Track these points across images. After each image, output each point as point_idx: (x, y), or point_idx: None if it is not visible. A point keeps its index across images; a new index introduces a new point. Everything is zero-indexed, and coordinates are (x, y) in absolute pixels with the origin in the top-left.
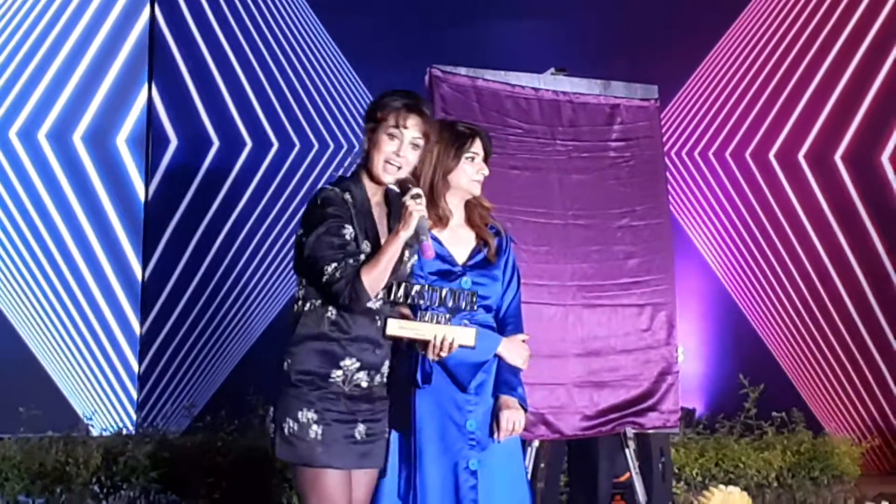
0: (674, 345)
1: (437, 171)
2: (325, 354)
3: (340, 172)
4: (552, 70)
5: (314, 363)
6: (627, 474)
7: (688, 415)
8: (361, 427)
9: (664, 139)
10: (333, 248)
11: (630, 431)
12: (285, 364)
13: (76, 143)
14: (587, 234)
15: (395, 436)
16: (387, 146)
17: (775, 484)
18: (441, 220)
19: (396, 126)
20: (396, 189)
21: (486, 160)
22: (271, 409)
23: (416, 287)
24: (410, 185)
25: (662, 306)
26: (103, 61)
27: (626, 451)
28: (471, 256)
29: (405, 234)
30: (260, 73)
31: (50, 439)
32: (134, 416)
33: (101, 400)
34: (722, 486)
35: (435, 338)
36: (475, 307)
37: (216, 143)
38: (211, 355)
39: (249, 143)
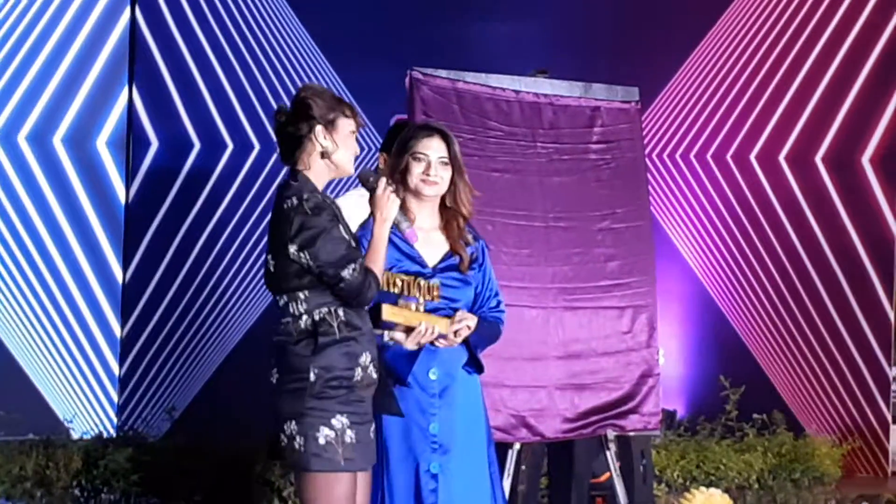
0: (655, 347)
1: (390, 174)
2: (348, 356)
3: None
4: (534, 72)
5: (340, 367)
6: (607, 474)
7: (669, 417)
8: (372, 426)
9: (645, 141)
10: (347, 250)
11: (611, 434)
12: (311, 374)
13: (56, 145)
14: (568, 236)
15: None
16: (352, 140)
17: (756, 486)
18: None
19: (357, 124)
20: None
21: (453, 163)
22: (292, 423)
23: (404, 277)
24: (371, 178)
25: (643, 308)
26: (83, 63)
27: (608, 453)
28: (442, 259)
29: (389, 219)
30: (241, 74)
31: (30, 443)
32: (114, 419)
33: (82, 403)
34: (703, 488)
35: (421, 325)
36: (437, 299)
37: (197, 146)
38: (192, 358)
39: (231, 145)
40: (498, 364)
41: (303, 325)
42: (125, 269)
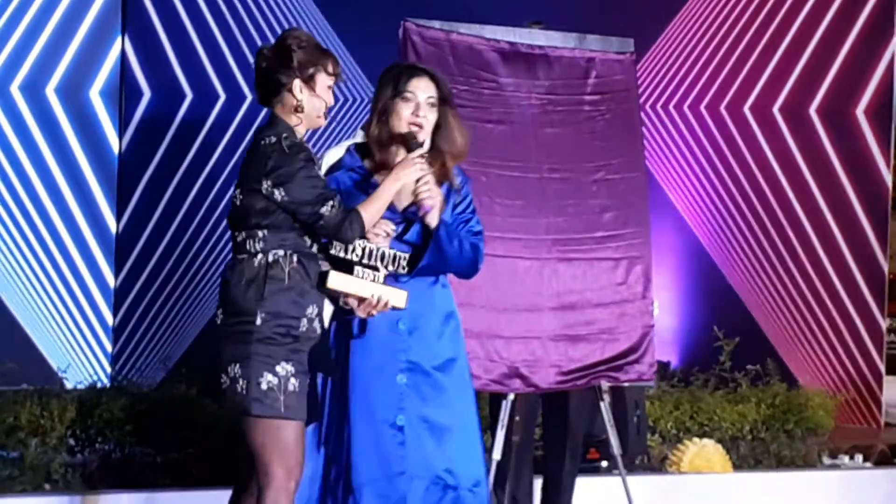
0: (649, 298)
1: (375, 114)
2: (296, 304)
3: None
4: (528, 23)
5: (287, 315)
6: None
7: (662, 367)
8: (308, 379)
9: (639, 93)
10: (325, 188)
11: (605, 384)
12: (258, 319)
13: (49, 95)
14: (562, 187)
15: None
16: (328, 95)
17: (749, 436)
18: (384, 167)
19: (335, 77)
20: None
21: (445, 102)
22: (236, 366)
23: (364, 245)
24: (414, 141)
25: (638, 260)
26: (76, 13)
27: (602, 404)
28: (412, 205)
29: (402, 182)
30: (233, 25)
31: (24, 392)
32: (108, 369)
33: (76, 352)
34: (696, 439)
35: (372, 296)
36: (401, 269)
37: (189, 96)
38: (185, 308)
39: (223, 96)
40: (492, 315)
41: (255, 264)
42: (118, 218)
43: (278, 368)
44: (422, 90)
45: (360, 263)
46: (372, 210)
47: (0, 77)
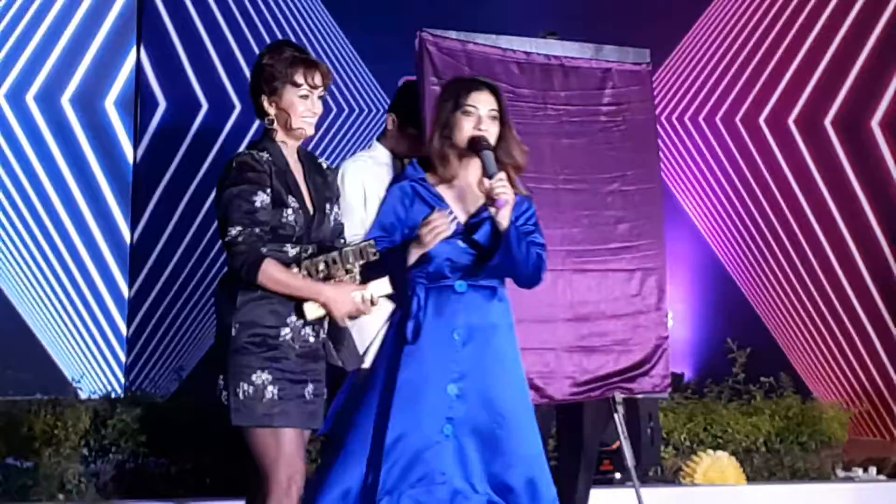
0: (664, 310)
1: (437, 127)
2: (274, 314)
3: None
4: (543, 33)
5: (264, 323)
6: (618, 443)
7: (676, 379)
8: (310, 387)
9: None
10: (241, 212)
11: (619, 396)
12: (233, 330)
13: (64, 105)
14: (577, 198)
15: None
16: (301, 107)
17: (763, 449)
18: (446, 180)
19: (309, 86)
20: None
21: (501, 116)
22: (220, 377)
23: (311, 262)
24: (485, 143)
25: (652, 271)
26: (92, 23)
27: (616, 416)
28: (475, 215)
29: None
30: (248, 35)
31: (39, 402)
32: (122, 380)
33: (90, 363)
34: (710, 451)
35: (358, 299)
36: (370, 257)
37: (205, 106)
38: (199, 319)
39: (238, 106)
40: None
41: (231, 276)
42: (133, 229)
43: (254, 377)
44: (483, 103)
45: (329, 278)
46: (284, 277)
47: (15, 87)
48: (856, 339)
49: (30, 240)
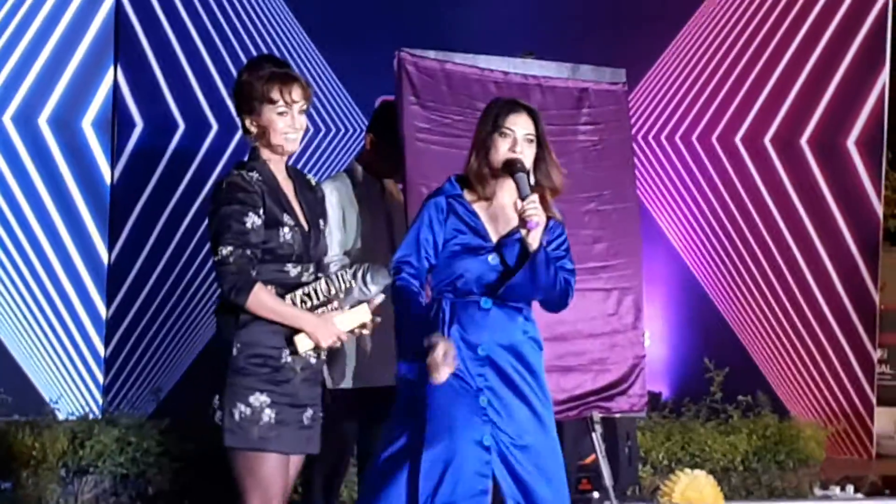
0: (640, 329)
1: (475, 148)
2: (276, 335)
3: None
4: (522, 53)
5: (265, 345)
6: (592, 456)
7: (654, 398)
8: (309, 412)
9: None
10: (231, 233)
11: (597, 415)
12: (234, 349)
13: (42, 126)
14: None
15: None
16: (280, 123)
17: (741, 467)
18: (483, 198)
19: (285, 103)
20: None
21: (539, 139)
22: (216, 398)
23: (300, 292)
24: (520, 165)
25: (629, 290)
26: (69, 44)
27: (593, 435)
28: (508, 234)
29: (318, 332)
30: (225, 55)
31: (16, 423)
32: (100, 400)
33: (67, 384)
34: (688, 470)
35: (353, 331)
36: (361, 280)
37: (182, 126)
38: (177, 339)
39: (215, 126)
40: None
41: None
42: (110, 249)
43: (252, 399)
44: (520, 126)
45: (321, 305)
46: (273, 304)
47: None
48: (833, 357)
49: (6, 260)
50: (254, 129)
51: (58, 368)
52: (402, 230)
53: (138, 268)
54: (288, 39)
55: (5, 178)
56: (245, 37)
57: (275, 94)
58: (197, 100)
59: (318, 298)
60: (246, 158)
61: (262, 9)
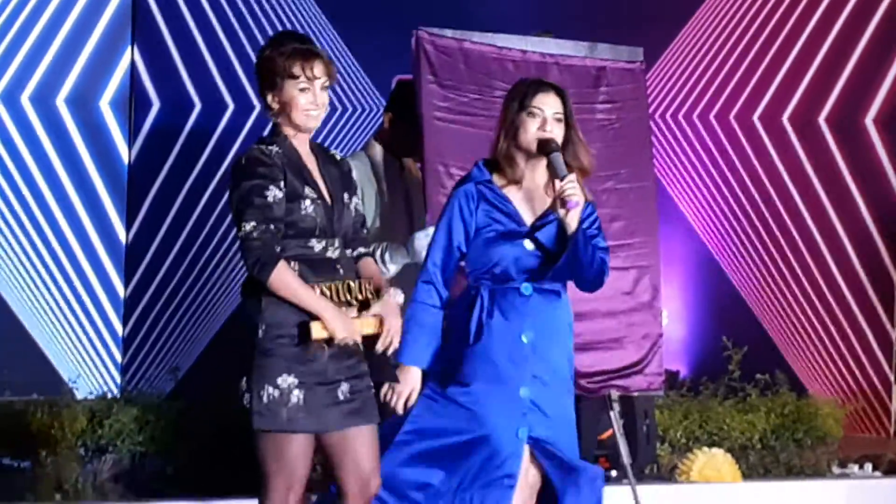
0: (658, 308)
1: (503, 129)
2: (300, 313)
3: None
4: (539, 32)
5: (290, 323)
6: (609, 431)
7: (672, 377)
8: (345, 386)
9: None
10: (254, 207)
11: (615, 394)
12: (260, 331)
13: (59, 106)
14: None
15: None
16: (302, 99)
17: (759, 446)
18: (513, 181)
19: (307, 78)
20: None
21: (567, 119)
22: (243, 379)
23: (322, 286)
24: (553, 140)
25: (647, 269)
26: (86, 24)
27: (611, 413)
28: (541, 217)
29: (335, 323)
30: (241, 35)
31: (35, 403)
32: (118, 379)
33: (86, 363)
34: (706, 448)
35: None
36: (366, 295)
37: (198, 106)
38: (195, 318)
39: (231, 105)
40: None
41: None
42: (128, 229)
43: (279, 381)
44: (549, 105)
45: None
46: (296, 285)
47: (10, 88)
48: (851, 336)
49: (25, 240)
50: (275, 106)
51: (76, 348)
52: (420, 208)
53: (156, 247)
54: (305, 18)
55: (23, 158)
56: (262, 16)
57: (296, 70)
58: (213, 79)
59: (339, 297)
60: (265, 134)
61: None
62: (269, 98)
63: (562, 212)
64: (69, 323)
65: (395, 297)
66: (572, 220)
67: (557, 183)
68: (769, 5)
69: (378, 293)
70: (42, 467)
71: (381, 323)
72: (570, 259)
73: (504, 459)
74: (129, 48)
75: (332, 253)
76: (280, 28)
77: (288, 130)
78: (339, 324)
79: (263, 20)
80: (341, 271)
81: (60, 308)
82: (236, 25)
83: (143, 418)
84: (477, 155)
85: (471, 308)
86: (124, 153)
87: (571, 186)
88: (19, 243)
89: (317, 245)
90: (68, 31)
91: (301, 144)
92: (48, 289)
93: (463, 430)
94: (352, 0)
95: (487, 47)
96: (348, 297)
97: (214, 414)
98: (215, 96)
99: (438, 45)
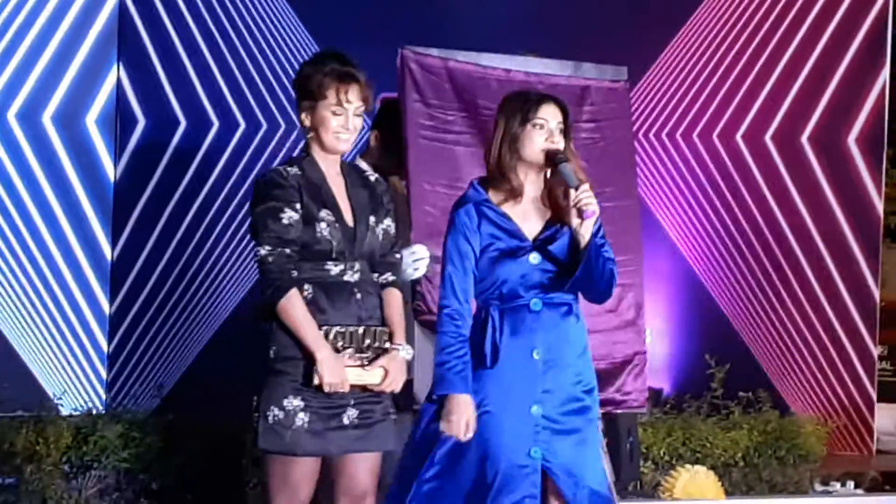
0: (641, 325)
1: (504, 141)
2: None
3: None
4: (524, 51)
5: (299, 347)
6: None
7: (655, 394)
8: (352, 411)
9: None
10: (268, 231)
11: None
12: (271, 351)
13: (45, 123)
14: None
15: None
16: (334, 122)
17: (742, 463)
18: (513, 194)
19: (339, 103)
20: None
21: (566, 132)
22: (255, 398)
23: (335, 329)
24: (561, 155)
25: (630, 287)
26: (72, 42)
27: None
28: (543, 230)
29: (326, 369)
30: (227, 53)
31: (19, 419)
32: (103, 396)
33: (71, 379)
34: (689, 466)
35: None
36: (382, 345)
37: (183, 123)
38: (180, 335)
39: (216, 123)
40: None
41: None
42: (114, 245)
43: (285, 402)
44: (552, 116)
45: (355, 351)
46: (301, 317)
47: None
48: (833, 354)
49: (10, 256)
50: (307, 124)
51: (61, 364)
52: (405, 227)
53: (141, 263)
54: (289, 36)
55: (9, 175)
56: (246, 34)
57: (331, 93)
58: (198, 97)
59: (351, 343)
60: (296, 153)
61: (263, 6)
62: (303, 115)
63: (576, 222)
64: (54, 339)
65: (405, 352)
66: (587, 231)
67: (572, 193)
68: (752, 25)
69: (392, 338)
70: (27, 483)
71: (385, 376)
72: (585, 270)
73: (517, 481)
74: (115, 66)
75: (351, 276)
76: (265, 45)
77: (317, 150)
78: (327, 369)
79: (248, 38)
80: (358, 295)
81: (46, 324)
82: (221, 43)
83: (128, 435)
84: (461, 173)
85: (483, 330)
86: (110, 170)
87: (587, 196)
88: (4, 260)
89: (333, 268)
90: (54, 49)
91: (330, 166)
92: (33, 305)
93: (475, 463)
94: (335, 18)
95: (472, 66)
96: (369, 343)
97: (200, 430)
98: (200, 114)
99: (423, 64)
